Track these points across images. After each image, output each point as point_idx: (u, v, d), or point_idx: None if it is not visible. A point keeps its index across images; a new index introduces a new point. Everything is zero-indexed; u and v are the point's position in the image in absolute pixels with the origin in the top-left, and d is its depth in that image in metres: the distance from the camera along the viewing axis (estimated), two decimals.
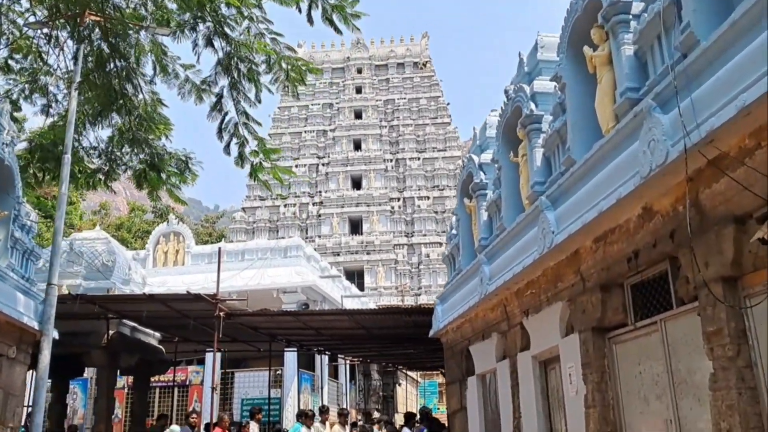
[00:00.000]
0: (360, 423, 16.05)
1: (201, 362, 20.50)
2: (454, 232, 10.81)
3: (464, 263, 9.70)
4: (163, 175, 11.42)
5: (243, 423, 12.81)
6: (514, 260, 7.29)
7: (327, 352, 18.29)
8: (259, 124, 8.96)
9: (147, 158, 10.52)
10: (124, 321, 14.21)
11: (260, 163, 9.04)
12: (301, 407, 20.18)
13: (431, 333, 11.06)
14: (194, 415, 11.76)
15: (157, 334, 15.94)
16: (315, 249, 41.24)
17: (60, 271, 14.63)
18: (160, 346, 16.10)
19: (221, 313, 11.73)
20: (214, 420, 11.57)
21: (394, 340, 15.44)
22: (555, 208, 6.34)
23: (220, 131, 8.88)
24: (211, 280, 18.74)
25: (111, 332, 13.75)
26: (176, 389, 20.37)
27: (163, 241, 21.32)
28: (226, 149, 8.90)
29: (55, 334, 10.09)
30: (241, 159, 8.95)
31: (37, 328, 9.32)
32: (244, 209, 48.83)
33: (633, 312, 5.64)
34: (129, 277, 14.79)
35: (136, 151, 10.86)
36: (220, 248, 13.38)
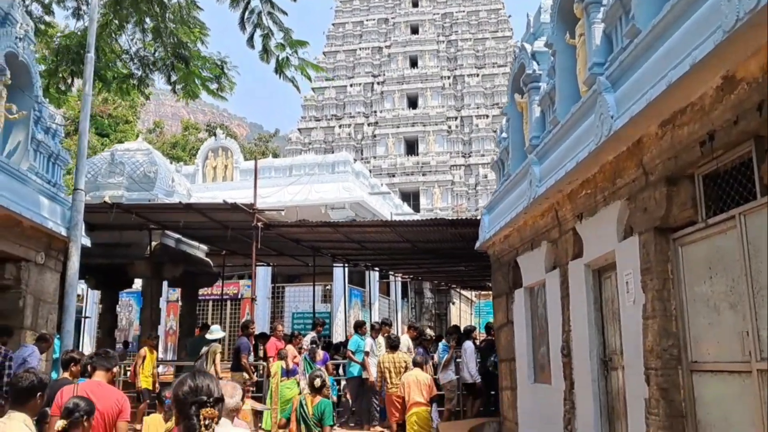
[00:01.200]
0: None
1: (251, 276, 20.48)
2: (504, 135, 9.89)
3: (513, 167, 8.83)
4: (197, 81, 10.84)
5: (295, 333, 12.50)
6: (567, 156, 6.40)
7: (375, 268, 17.89)
8: (285, 13, 8.16)
9: (176, 55, 9.89)
10: (168, 233, 14.05)
11: (287, 57, 8.30)
12: (351, 322, 20.15)
13: (477, 245, 10.34)
14: (252, 325, 11.55)
15: (204, 247, 15.81)
16: (370, 170, 40.68)
17: (101, 183, 14.58)
18: (207, 259, 15.99)
19: (259, 224, 11.27)
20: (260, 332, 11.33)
21: (442, 255, 14.82)
22: (615, 90, 5.38)
23: (242, 21, 8.14)
24: (260, 195, 18.47)
25: (154, 243, 13.61)
26: (228, 302, 20.53)
27: (211, 156, 21.03)
28: (250, 41, 8.17)
29: (87, 242, 9.86)
30: (266, 53, 8.23)
31: (64, 234, 9.04)
32: (299, 130, 48.35)
33: (704, 207, 4.74)
34: (172, 189, 14.52)
35: (168, 51, 10.26)
36: (256, 158, 12.81)
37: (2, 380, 7.33)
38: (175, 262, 13.88)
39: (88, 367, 5.20)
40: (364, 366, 11.31)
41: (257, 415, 10.39)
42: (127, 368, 12.46)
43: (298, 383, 10.27)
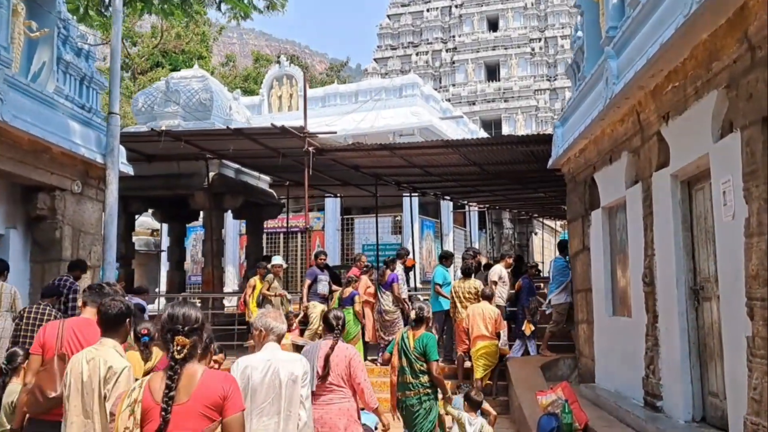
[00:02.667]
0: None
1: (321, 209, 20.02)
2: (578, 34, 8.56)
3: (588, 68, 7.56)
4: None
5: (369, 265, 11.38)
6: (649, 41, 5.16)
7: (445, 197, 16.91)
8: None
9: None
10: (226, 163, 13.57)
11: None
12: (424, 253, 19.38)
13: (550, 163, 9.18)
14: (323, 256, 10.96)
15: (266, 178, 15.32)
16: (449, 99, 39.19)
17: (157, 112, 14.11)
18: (271, 191, 15.50)
19: (311, 149, 10.49)
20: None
21: (517, 180, 13.66)
22: None
23: None
24: (325, 123, 17.70)
25: (212, 174, 13.17)
26: (299, 234, 20.20)
27: (276, 86, 20.35)
28: None
29: (128, 169, 9.42)
30: None
31: (101, 161, 8.57)
32: (375, 60, 47.01)
33: None
34: (230, 118, 13.92)
35: None
36: (304, 74, 11.93)
37: (67, 312, 7.45)
38: (234, 193, 13.42)
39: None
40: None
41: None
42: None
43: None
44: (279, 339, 4.01)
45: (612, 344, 7.23)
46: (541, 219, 26.35)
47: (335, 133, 10.88)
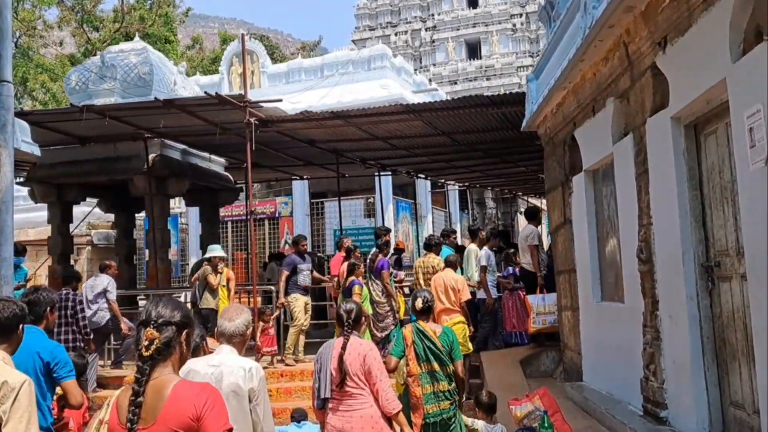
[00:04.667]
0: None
1: (289, 193, 18.65)
2: None
3: (563, 2, 6.23)
4: None
5: (352, 247, 9.99)
6: None
7: (419, 175, 15.58)
8: None
9: None
10: (170, 143, 12.14)
11: None
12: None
13: (524, 124, 7.88)
14: (303, 241, 9.66)
15: (221, 160, 13.90)
16: (430, 80, 37.81)
17: (93, 90, 12.66)
18: (226, 174, 14.11)
19: (253, 120, 9.13)
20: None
21: (492, 152, 12.35)
22: None
23: None
24: (289, 102, 16.29)
25: (153, 155, 11.75)
26: (266, 221, 18.86)
27: (236, 62, 18.89)
28: None
29: (33, 149, 8.04)
30: None
31: None
32: (353, 41, 45.44)
33: None
34: (174, 93, 12.50)
35: None
36: (243, 35, 10.50)
37: (78, 325, 8.09)
38: (179, 177, 12.01)
39: None
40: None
41: None
42: None
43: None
44: (235, 341, 3.32)
45: (601, 336, 5.97)
46: (525, 197, 25.09)
47: (280, 101, 9.52)
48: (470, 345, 7.72)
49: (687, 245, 4.15)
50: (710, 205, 4.06)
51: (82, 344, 8.21)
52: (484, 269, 9.03)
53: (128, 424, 2.10)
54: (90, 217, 19.63)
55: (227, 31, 51.22)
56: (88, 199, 14.28)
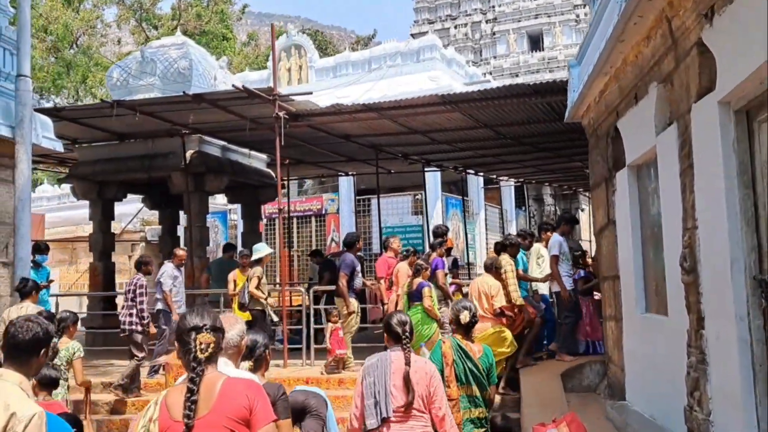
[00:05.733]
0: None
1: (335, 190, 18.31)
2: None
3: None
4: None
5: (410, 249, 9.44)
6: None
7: (468, 170, 14.94)
8: None
9: None
10: (209, 139, 11.99)
11: None
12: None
13: (567, 114, 7.20)
14: (359, 243, 9.30)
15: (263, 156, 13.68)
16: (490, 72, 36.99)
17: (133, 86, 12.63)
18: (268, 170, 13.86)
19: (282, 114, 8.76)
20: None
21: (543, 147, 11.62)
22: None
23: None
24: (336, 96, 15.94)
25: (191, 152, 11.60)
26: (314, 218, 18.59)
27: (284, 57, 18.64)
28: None
29: (56, 146, 7.89)
30: None
31: (8, 135, 7.04)
32: (412, 35, 44.88)
33: None
34: (214, 88, 12.29)
35: None
36: (273, 26, 10.09)
37: (135, 308, 8.29)
38: (217, 173, 11.81)
39: None
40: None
41: None
42: None
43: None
44: (230, 352, 3.04)
45: (645, 351, 5.30)
46: (587, 193, 23.99)
47: (310, 93, 9.12)
48: (514, 343, 7.21)
49: (736, 254, 3.48)
50: (765, 206, 3.39)
51: (140, 328, 8.24)
52: (555, 258, 8.09)
53: (185, 419, 2.35)
54: (144, 213, 19.90)
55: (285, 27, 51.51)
56: (137, 196, 14.35)
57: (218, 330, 2.55)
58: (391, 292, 8.47)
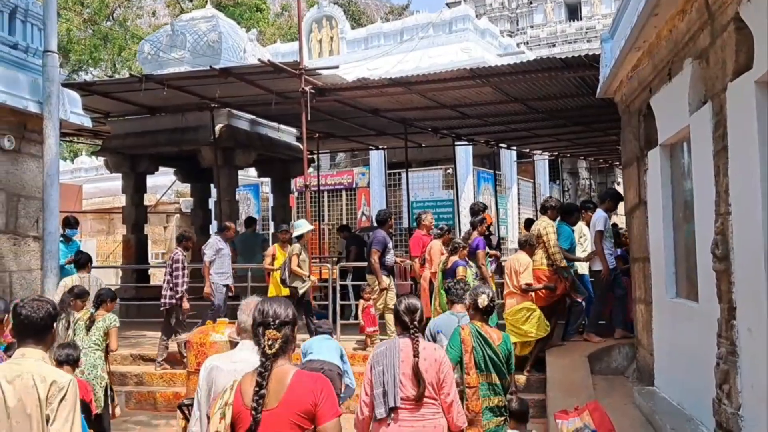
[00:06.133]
0: None
1: (366, 164, 18.21)
2: None
3: None
4: None
5: (443, 227, 9.05)
6: None
7: (500, 144, 14.69)
8: None
9: None
10: (237, 113, 11.95)
11: None
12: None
13: (599, 90, 6.96)
14: (391, 219, 9.08)
15: (293, 130, 13.61)
16: (527, 42, 36.18)
17: (164, 59, 12.65)
18: (297, 144, 13.80)
19: (309, 88, 8.66)
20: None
21: (573, 118, 11.32)
22: None
23: None
24: (367, 68, 15.75)
25: (220, 126, 11.60)
26: (344, 192, 18.56)
27: (315, 29, 18.46)
28: None
29: (84, 121, 7.93)
30: None
31: (37, 111, 7.10)
32: (447, 4, 44.08)
33: None
34: (244, 61, 12.22)
35: None
36: (300, 2, 9.93)
37: (170, 283, 8.32)
38: (246, 147, 11.80)
39: None
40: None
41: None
42: None
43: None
44: (244, 336, 3.30)
45: (674, 337, 5.14)
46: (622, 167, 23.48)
47: (337, 67, 8.99)
48: (547, 327, 7.03)
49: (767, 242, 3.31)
50: None
51: (176, 302, 8.29)
52: (600, 234, 7.64)
53: (253, 412, 2.44)
54: (178, 185, 20.10)
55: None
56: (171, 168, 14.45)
57: (286, 324, 2.59)
58: (424, 269, 8.32)
